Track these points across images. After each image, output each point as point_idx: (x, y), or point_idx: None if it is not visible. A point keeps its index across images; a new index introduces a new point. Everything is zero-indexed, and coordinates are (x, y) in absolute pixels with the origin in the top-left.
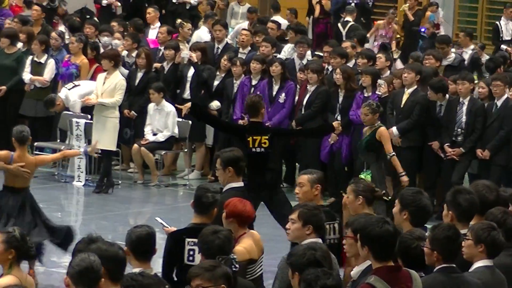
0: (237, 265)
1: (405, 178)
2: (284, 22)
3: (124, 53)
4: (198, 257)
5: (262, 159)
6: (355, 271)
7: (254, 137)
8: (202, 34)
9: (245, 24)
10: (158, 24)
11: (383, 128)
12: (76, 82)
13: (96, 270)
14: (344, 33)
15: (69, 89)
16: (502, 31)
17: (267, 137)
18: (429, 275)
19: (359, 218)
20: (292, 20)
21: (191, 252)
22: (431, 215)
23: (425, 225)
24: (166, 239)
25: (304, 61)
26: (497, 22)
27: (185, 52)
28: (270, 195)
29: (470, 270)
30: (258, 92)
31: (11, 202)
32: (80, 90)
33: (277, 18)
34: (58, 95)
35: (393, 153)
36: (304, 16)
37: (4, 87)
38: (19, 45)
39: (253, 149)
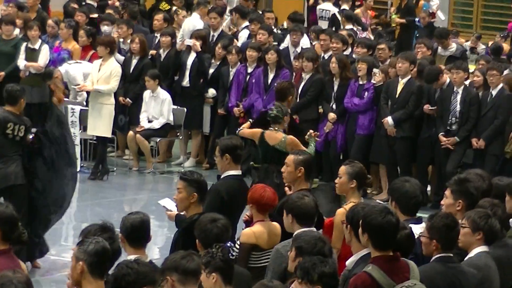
0: (234, 254)
1: None
2: None
3: (121, 39)
4: None
5: None
6: (350, 261)
7: None
8: (195, 21)
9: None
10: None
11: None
12: (78, 61)
13: None
14: (341, 20)
15: (69, 64)
16: None
17: None
18: (426, 265)
19: (362, 205)
20: None
21: None
22: (420, 203)
23: (421, 215)
24: (179, 232)
25: (298, 49)
26: None
27: (189, 40)
28: None
29: (468, 256)
30: (253, 80)
31: None
32: (83, 68)
33: None
34: (57, 68)
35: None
36: (301, 4)
37: (2, 73)
38: (16, 31)
39: None
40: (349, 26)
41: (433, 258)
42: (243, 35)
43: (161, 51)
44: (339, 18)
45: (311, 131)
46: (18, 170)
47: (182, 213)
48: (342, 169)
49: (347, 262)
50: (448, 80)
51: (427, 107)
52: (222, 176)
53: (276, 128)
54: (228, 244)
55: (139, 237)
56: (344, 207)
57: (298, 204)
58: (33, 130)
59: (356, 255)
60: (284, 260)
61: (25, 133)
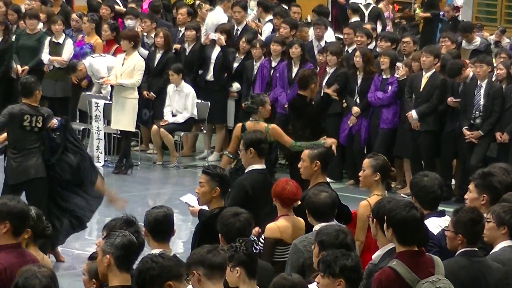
0: (258, 247)
1: None
2: None
3: (144, 34)
4: None
5: None
6: (376, 255)
7: None
8: (218, 15)
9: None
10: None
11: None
12: (102, 54)
13: None
14: (366, 14)
15: (93, 57)
16: None
17: None
18: (451, 259)
19: (387, 200)
20: None
21: None
22: (439, 198)
23: (444, 209)
24: (199, 226)
25: (322, 43)
26: None
27: (214, 34)
28: None
29: (493, 251)
30: (277, 74)
31: None
32: (107, 61)
33: None
34: (80, 62)
35: None
36: None
37: (27, 67)
38: (40, 25)
39: None
40: (355, 19)
41: (458, 252)
42: (267, 29)
43: (185, 45)
44: (364, 11)
45: (325, 138)
46: (39, 163)
47: (205, 208)
48: (366, 162)
49: (373, 256)
50: (471, 74)
51: (451, 99)
52: (246, 171)
53: (256, 119)
54: (252, 238)
55: (163, 231)
56: (367, 200)
57: (313, 200)
58: (56, 119)
59: (382, 249)
60: (301, 255)
61: (43, 123)
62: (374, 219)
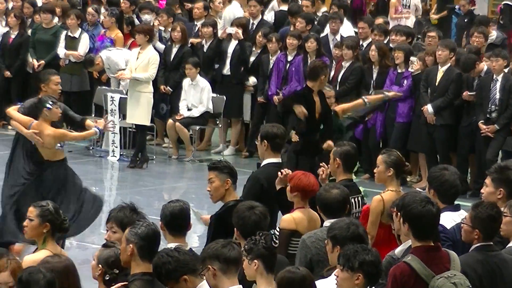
0: (277, 241)
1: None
2: None
3: (161, 28)
4: None
5: None
6: (399, 249)
7: None
8: (235, 9)
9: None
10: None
11: None
12: (118, 47)
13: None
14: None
15: (110, 50)
16: None
17: None
18: (467, 254)
19: (404, 195)
20: None
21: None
22: (459, 192)
23: (459, 203)
24: (214, 218)
25: (338, 37)
26: None
27: (231, 28)
28: None
29: (509, 245)
30: (293, 68)
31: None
32: (124, 54)
33: None
34: (97, 55)
35: None
36: None
37: (43, 62)
38: (55, 20)
39: None
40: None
41: (474, 246)
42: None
43: (203, 42)
44: None
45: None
46: None
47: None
48: (379, 158)
49: (396, 251)
50: (485, 68)
51: (466, 93)
52: (262, 164)
53: None
54: (272, 232)
55: (179, 225)
56: (381, 195)
57: (323, 197)
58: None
59: (405, 243)
60: (309, 251)
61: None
62: (398, 213)
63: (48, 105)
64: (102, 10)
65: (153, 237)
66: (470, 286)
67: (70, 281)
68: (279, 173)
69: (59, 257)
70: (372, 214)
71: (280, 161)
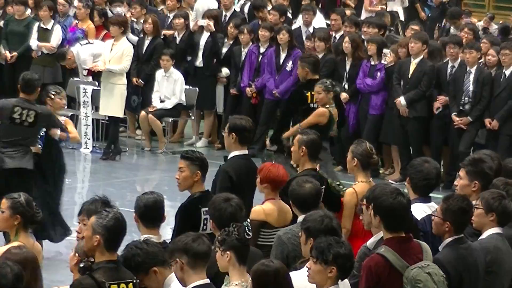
0: (250, 233)
1: None
2: None
3: (134, 19)
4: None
5: None
6: (371, 241)
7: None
8: (208, 1)
9: None
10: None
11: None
12: (90, 40)
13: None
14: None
15: (81, 45)
16: None
17: None
18: (440, 253)
19: (374, 187)
20: None
21: (205, 221)
22: (433, 186)
23: (430, 195)
24: (180, 209)
25: (311, 29)
26: None
27: (203, 21)
28: None
29: (480, 238)
30: (265, 60)
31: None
32: (93, 49)
33: None
34: (69, 49)
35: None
36: None
37: (15, 53)
38: (28, 11)
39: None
40: None
41: (446, 242)
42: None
43: (175, 34)
44: None
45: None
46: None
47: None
48: (350, 148)
49: (368, 243)
50: (459, 60)
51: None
52: (229, 157)
53: None
54: (245, 224)
55: (153, 217)
56: (353, 187)
57: (298, 191)
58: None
59: (376, 235)
60: (285, 248)
61: (35, 119)
62: (369, 206)
63: (51, 94)
64: (75, 1)
65: (119, 229)
66: (444, 276)
67: (28, 273)
68: None
69: (20, 249)
70: (346, 207)
71: (247, 152)
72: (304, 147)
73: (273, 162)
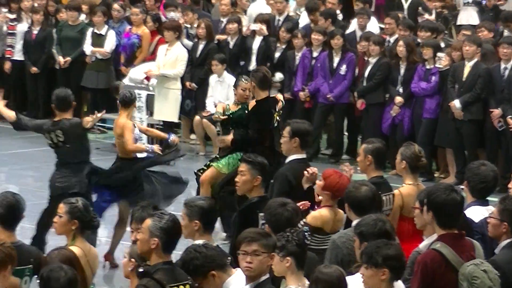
0: (308, 238)
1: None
2: None
3: (187, 25)
4: None
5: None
6: (424, 244)
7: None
8: (261, 6)
9: None
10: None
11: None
12: (135, 65)
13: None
14: (406, 6)
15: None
16: None
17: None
18: (497, 254)
19: (427, 187)
20: None
21: (263, 227)
22: (490, 189)
23: (487, 198)
24: (237, 214)
25: None
26: None
27: (255, 25)
28: None
29: None
30: (318, 65)
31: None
32: (141, 67)
33: None
34: (122, 82)
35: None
36: None
37: (69, 58)
38: (82, 17)
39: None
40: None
41: (503, 244)
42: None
43: (228, 38)
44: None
45: None
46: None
47: None
48: (400, 150)
49: (421, 245)
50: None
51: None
52: (287, 161)
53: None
54: (305, 229)
55: (207, 222)
56: (399, 190)
57: (353, 194)
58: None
59: (429, 238)
60: (340, 252)
61: (65, 136)
62: (423, 209)
63: None
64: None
65: (176, 231)
66: (498, 274)
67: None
68: (305, 172)
69: (65, 250)
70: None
71: (305, 156)
72: (370, 156)
73: None
